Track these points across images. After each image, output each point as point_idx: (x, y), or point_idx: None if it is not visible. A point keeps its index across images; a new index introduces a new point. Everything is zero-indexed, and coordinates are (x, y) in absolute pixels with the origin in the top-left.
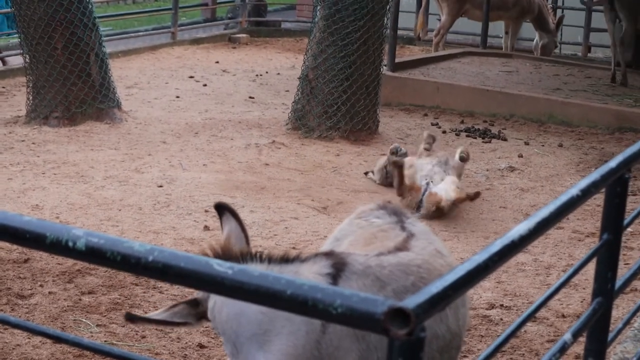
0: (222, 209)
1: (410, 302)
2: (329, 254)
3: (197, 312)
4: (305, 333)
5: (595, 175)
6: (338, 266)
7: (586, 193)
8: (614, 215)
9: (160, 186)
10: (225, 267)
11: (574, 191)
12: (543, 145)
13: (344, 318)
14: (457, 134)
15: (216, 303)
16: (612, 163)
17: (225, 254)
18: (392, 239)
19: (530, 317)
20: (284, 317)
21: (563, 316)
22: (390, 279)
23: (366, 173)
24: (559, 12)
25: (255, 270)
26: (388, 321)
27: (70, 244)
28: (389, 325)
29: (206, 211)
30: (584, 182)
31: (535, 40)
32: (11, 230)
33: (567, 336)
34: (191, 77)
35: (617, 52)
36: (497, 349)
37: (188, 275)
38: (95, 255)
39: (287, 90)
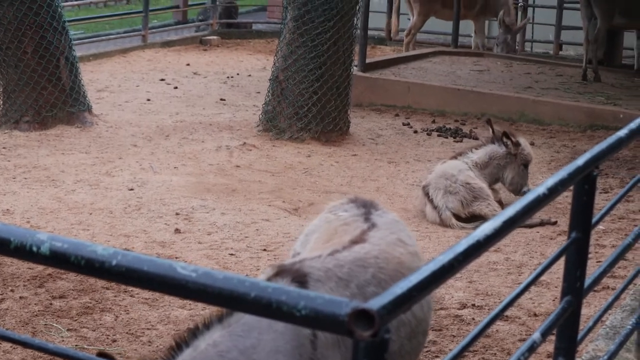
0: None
1: (375, 303)
2: (282, 271)
3: None
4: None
5: (562, 173)
6: (299, 279)
7: (553, 191)
8: (582, 213)
9: (131, 189)
10: (189, 270)
11: (540, 190)
12: None
13: (309, 320)
14: (428, 134)
15: None
16: (580, 161)
17: None
18: (351, 232)
19: (499, 316)
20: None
21: (535, 315)
22: (351, 276)
23: None
24: (529, 10)
25: (220, 273)
26: (352, 322)
27: (35, 248)
28: (353, 327)
29: (177, 214)
30: (551, 181)
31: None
32: None
33: (536, 335)
34: (162, 79)
35: (590, 50)
36: (466, 347)
37: (152, 278)
38: (60, 259)
39: (258, 92)
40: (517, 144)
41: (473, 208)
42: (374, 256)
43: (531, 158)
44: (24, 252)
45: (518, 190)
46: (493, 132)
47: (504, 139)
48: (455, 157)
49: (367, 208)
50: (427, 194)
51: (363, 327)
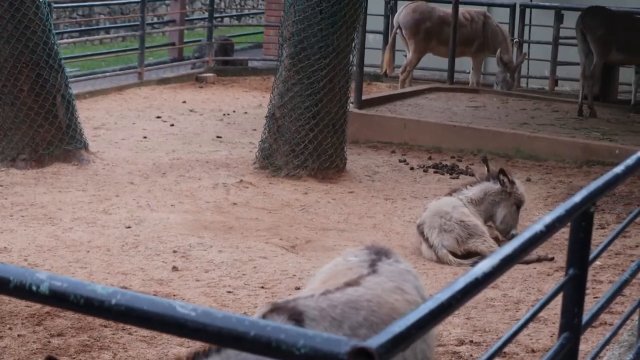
0: None
1: (374, 342)
2: (277, 309)
3: None
4: None
5: (559, 210)
6: (295, 317)
7: (550, 228)
8: (579, 250)
9: (129, 227)
10: (188, 309)
11: (537, 227)
12: None
13: (308, 358)
14: (425, 171)
15: None
16: (577, 198)
17: None
18: (349, 275)
19: (497, 353)
20: None
21: (533, 351)
22: (344, 317)
23: None
24: (525, 46)
25: (219, 312)
26: None
27: (34, 287)
28: None
29: (174, 252)
30: (548, 218)
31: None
32: None
33: None
34: (158, 117)
35: (586, 85)
36: None
37: (151, 317)
38: (59, 298)
39: (255, 129)
40: (512, 182)
41: (469, 245)
42: (367, 299)
43: (524, 199)
44: (23, 291)
45: (507, 231)
46: (488, 169)
47: (501, 177)
48: (450, 194)
49: (378, 255)
50: (422, 233)
51: None
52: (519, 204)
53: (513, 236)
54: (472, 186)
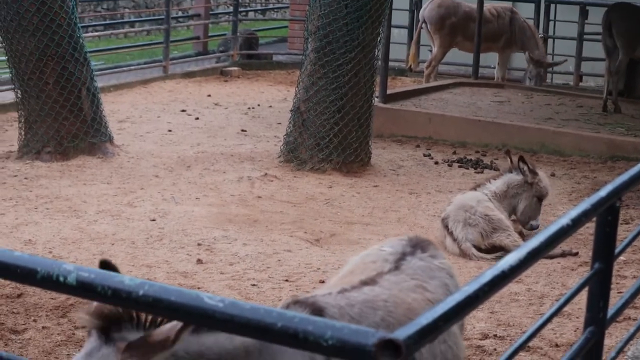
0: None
1: (401, 333)
2: (297, 302)
3: None
4: None
5: (585, 204)
6: (316, 312)
7: (577, 222)
8: (605, 244)
9: (153, 220)
10: (216, 301)
11: (564, 221)
12: None
13: (335, 350)
14: (449, 165)
15: None
16: (603, 192)
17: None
18: (368, 272)
19: (522, 347)
20: None
21: (557, 345)
22: (362, 317)
23: None
24: (549, 41)
25: (246, 303)
26: (379, 352)
27: (61, 278)
28: (380, 357)
29: (199, 245)
30: (574, 212)
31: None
32: (2, 265)
33: None
34: (183, 110)
35: (611, 81)
36: None
37: (178, 308)
38: (86, 289)
39: (279, 123)
40: (533, 172)
41: (493, 239)
42: (383, 299)
43: (546, 192)
44: (50, 282)
45: (526, 222)
46: (511, 161)
47: (520, 164)
48: (474, 189)
49: (413, 249)
50: (446, 226)
51: (389, 357)
52: (540, 196)
53: (532, 227)
54: (495, 180)
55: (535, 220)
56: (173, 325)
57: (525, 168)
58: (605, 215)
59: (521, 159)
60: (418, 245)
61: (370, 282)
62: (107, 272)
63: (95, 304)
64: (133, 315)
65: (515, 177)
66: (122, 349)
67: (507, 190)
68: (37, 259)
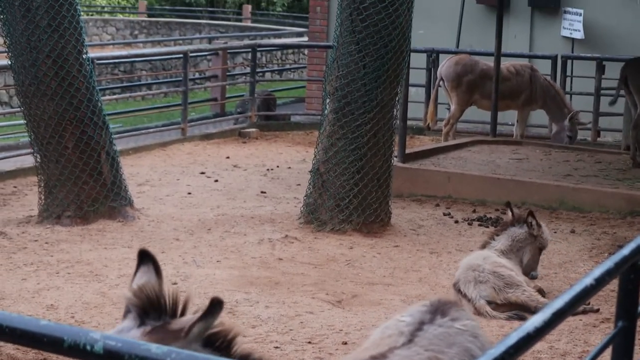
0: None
1: None
2: None
3: None
4: None
5: (608, 263)
6: None
7: (600, 282)
8: (628, 302)
9: (175, 283)
10: None
11: (587, 280)
12: (555, 232)
13: None
14: (469, 224)
15: None
16: (625, 251)
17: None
18: (382, 347)
19: None
20: None
21: None
22: None
23: None
24: (567, 97)
25: None
26: None
27: (88, 347)
28: None
29: None
30: (597, 271)
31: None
32: (29, 334)
33: None
34: (202, 173)
35: (631, 136)
36: None
37: None
38: (114, 357)
39: (299, 184)
40: (539, 225)
41: (508, 295)
42: None
43: (547, 243)
44: (77, 350)
45: (528, 272)
46: (513, 214)
47: (529, 219)
48: (481, 248)
49: (433, 315)
50: (459, 290)
51: None
52: (542, 247)
53: (533, 277)
54: (498, 235)
55: (535, 270)
56: (192, 317)
57: (534, 222)
58: (628, 274)
59: (530, 213)
60: (438, 310)
61: (379, 357)
62: (134, 340)
63: (141, 284)
64: (177, 311)
65: (518, 231)
66: (146, 332)
67: (512, 244)
68: (63, 327)
